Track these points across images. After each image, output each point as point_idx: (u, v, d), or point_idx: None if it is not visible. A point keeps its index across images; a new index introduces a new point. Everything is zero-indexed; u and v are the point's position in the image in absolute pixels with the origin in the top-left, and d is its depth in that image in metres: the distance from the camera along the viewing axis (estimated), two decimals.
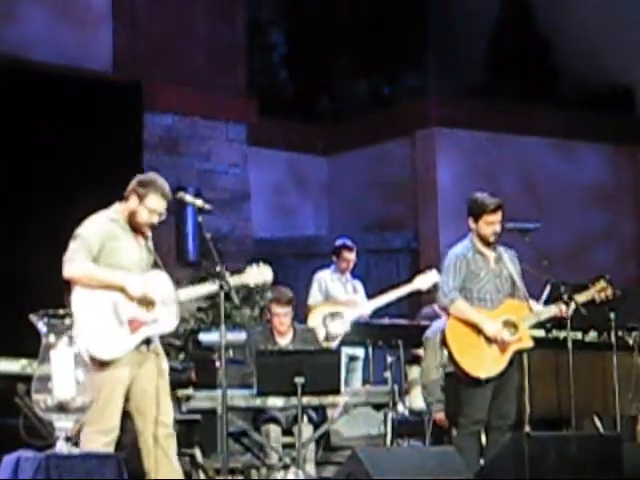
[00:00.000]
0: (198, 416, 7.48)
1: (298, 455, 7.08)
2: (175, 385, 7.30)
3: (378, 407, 7.91)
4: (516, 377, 6.89)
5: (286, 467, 7.23)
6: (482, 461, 6.81)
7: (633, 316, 7.78)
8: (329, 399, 7.38)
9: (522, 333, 6.77)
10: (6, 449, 4.73)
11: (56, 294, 5.60)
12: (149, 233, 5.86)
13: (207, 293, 5.99)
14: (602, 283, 7.02)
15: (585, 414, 7.79)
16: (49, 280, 5.63)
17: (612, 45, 13.23)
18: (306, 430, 7.36)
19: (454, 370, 6.88)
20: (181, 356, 10.20)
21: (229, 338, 7.85)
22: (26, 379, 6.17)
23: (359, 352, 9.29)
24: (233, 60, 12.55)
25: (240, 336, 8.67)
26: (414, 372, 8.62)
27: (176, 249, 11.62)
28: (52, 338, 4.41)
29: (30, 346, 4.90)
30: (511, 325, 6.75)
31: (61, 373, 4.37)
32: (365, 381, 9.14)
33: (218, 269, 5.87)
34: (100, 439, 5.47)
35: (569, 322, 6.85)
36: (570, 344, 6.80)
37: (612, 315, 7.47)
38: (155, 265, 5.87)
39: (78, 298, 5.55)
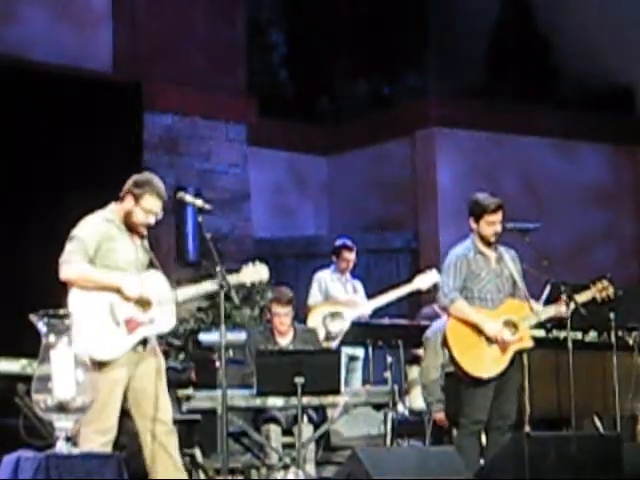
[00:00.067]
0: (198, 416, 7.48)
1: (298, 455, 7.08)
2: (175, 385, 7.31)
3: (378, 407, 7.91)
4: (517, 377, 6.89)
5: (286, 467, 7.23)
6: (482, 461, 6.81)
7: (633, 316, 7.78)
8: (329, 399, 7.37)
9: (522, 333, 6.78)
10: (6, 449, 4.73)
11: (56, 294, 5.60)
12: (145, 233, 5.86)
13: (205, 292, 5.99)
14: (603, 282, 7.03)
15: (585, 414, 7.79)
16: (49, 280, 5.63)
17: (612, 45, 13.24)
18: (306, 430, 7.36)
19: (454, 370, 6.89)
20: (181, 356, 10.21)
21: (229, 338, 7.85)
22: (26, 379, 6.18)
23: (359, 352, 9.29)
24: (233, 60, 12.55)
25: (240, 336, 8.66)
26: (414, 372, 8.62)
27: (176, 249, 11.62)
28: (52, 338, 4.41)
29: (30, 346, 4.90)
30: (512, 325, 6.75)
31: (61, 373, 4.37)
32: (365, 381, 9.14)
33: (216, 269, 5.87)
34: (98, 439, 5.47)
35: (569, 322, 6.85)
36: (570, 344, 6.80)
37: (612, 315, 7.47)
38: (151, 265, 5.86)
39: (75, 299, 5.55)
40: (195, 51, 12.17)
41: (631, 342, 7.76)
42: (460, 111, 13.16)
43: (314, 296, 9.44)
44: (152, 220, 5.79)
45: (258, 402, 7.30)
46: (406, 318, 9.51)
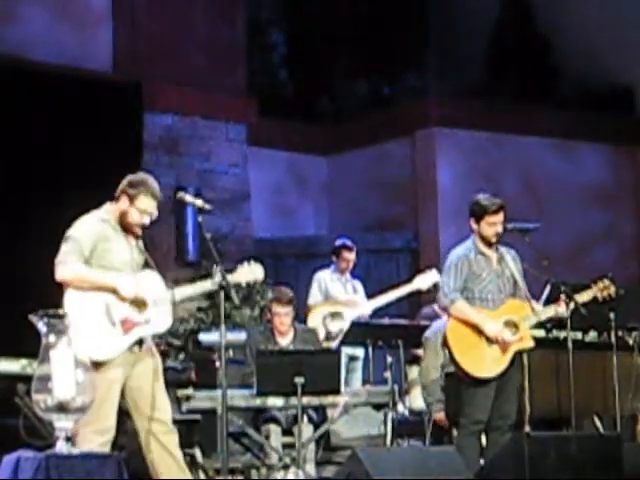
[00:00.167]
0: (198, 416, 7.48)
1: (298, 455, 7.08)
2: (175, 385, 7.32)
3: (378, 407, 7.91)
4: (517, 377, 6.89)
5: (286, 467, 7.23)
6: (482, 461, 6.81)
7: (633, 316, 7.78)
8: (329, 399, 7.37)
9: (523, 333, 6.78)
10: (6, 449, 4.73)
11: (56, 294, 5.60)
12: (140, 233, 5.86)
13: (202, 292, 5.99)
14: (605, 282, 7.03)
15: (585, 414, 7.79)
16: (49, 280, 5.63)
17: (612, 45, 13.24)
18: (306, 430, 7.35)
19: (454, 370, 6.89)
20: (181, 356, 10.20)
21: (229, 338, 7.84)
22: (26, 379, 6.17)
23: (359, 352, 9.29)
24: (233, 60, 12.55)
25: (240, 336, 8.66)
26: (414, 372, 8.62)
27: (176, 249, 11.63)
28: (52, 338, 4.41)
29: (30, 346, 4.90)
30: (512, 325, 6.75)
31: (61, 373, 4.37)
32: (365, 381, 9.14)
33: (214, 268, 5.87)
34: (96, 439, 5.47)
35: (569, 322, 6.85)
36: (570, 344, 6.80)
37: (612, 315, 7.47)
38: (146, 265, 5.86)
39: (70, 300, 5.56)
40: (195, 51, 12.17)
41: (631, 342, 7.75)
42: (460, 111, 13.16)
43: (314, 296, 9.44)
44: (147, 220, 5.79)
45: (258, 402, 7.30)
46: (406, 318, 9.51)
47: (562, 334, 7.21)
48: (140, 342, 5.70)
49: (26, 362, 6.68)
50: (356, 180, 13.76)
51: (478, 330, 6.72)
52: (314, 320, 8.89)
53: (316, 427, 7.55)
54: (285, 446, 7.48)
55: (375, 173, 13.59)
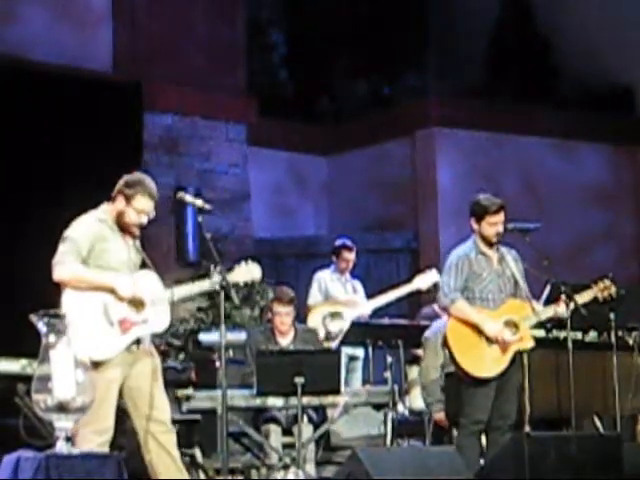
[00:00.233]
0: (198, 416, 7.48)
1: (298, 455, 7.08)
2: (175, 385, 7.32)
3: (378, 407, 7.91)
4: (517, 377, 6.89)
5: (286, 467, 7.23)
6: (482, 461, 6.81)
7: (633, 316, 7.78)
8: (329, 399, 7.37)
9: (523, 333, 6.78)
10: (6, 449, 4.73)
11: (56, 294, 5.61)
12: (137, 233, 5.86)
13: (200, 291, 5.98)
14: (605, 282, 7.03)
15: (585, 414, 7.79)
16: (49, 280, 5.63)
17: (612, 45, 13.24)
18: (306, 430, 7.35)
19: (455, 370, 6.89)
20: (181, 356, 10.21)
21: (229, 338, 7.84)
22: (26, 379, 6.17)
23: (359, 352, 9.29)
24: (233, 60, 12.55)
25: (240, 336, 8.66)
26: (414, 372, 8.62)
27: (176, 249, 11.62)
28: (52, 338, 4.41)
29: (30, 346, 4.90)
30: (512, 325, 6.75)
31: (61, 373, 4.37)
32: (365, 381, 9.14)
33: (211, 268, 5.88)
34: (95, 439, 5.47)
35: (569, 322, 6.85)
36: (570, 344, 6.80)
37: (612, 315, 7.47)
38: (144, 265, 5.86)
39: (68, 300, 5.56)
40: (195, 51, 12.17)
41: (631, 342, 7.76)
42: (460, 111, 13.16)
43: (314, 296, 9.44)
44: (144, 220, 5.79)
45: (258, 402, 7.30)
46: (406, 318, 9.51)
47: (562, 334, 7.21)
48: (138, 342, 5.70)
49: (26, 362, 6.68)
50: (356, 180, 13.76)
51: (478, 330, 6.72)
52: (314, 320, 8.89)
53: (316, 427, 7.55)
54: (285, 446, 7.48)
55: (375, 173, 13.59)
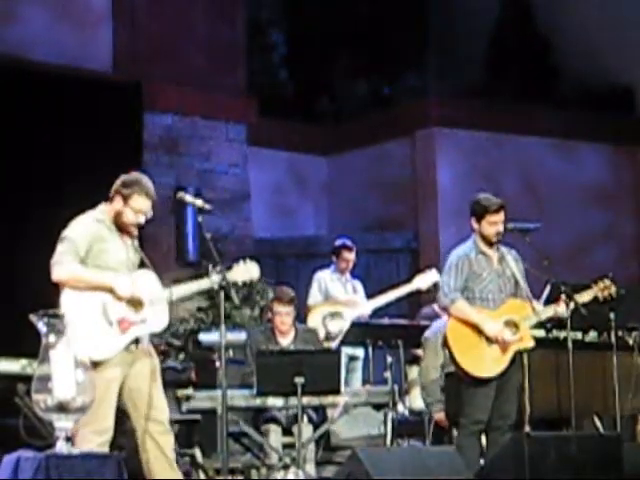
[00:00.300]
0: (198, 416, 7.48)
1: (298, 455, 7.08)
2: (175, 385, 7.32)
3: (378, 407, 7.91)
4: (517, 377, 6.89)
5: (286, 467, 7.23)
6: (482, 461, 6.81)
7: (633, 316, 7.78)
8: (329, 399, 7.37)
9: (523, 333, 6.78)
10: (6, 449, 4.73)
11: (55, 294, 5.61)
12: (135, 232, 5.86)
13: (198, 290, 5.98)
14: (605, 282, 7.03)
15: (585, 414, 7.79)
16: (49, 280, 5.63)
17: (612, 45, 13.24)
18: (306, 430, 7.35)
19: (455, 370, 6.89)
20: (181, 356, 10.21)
21: (229, 338, 7.84)
22: (26, 379, 6.17)
23: (359, 352, 9.29)
24: (233, 60, 12.55)
25: (240, 336, 8.66)
26: (414, 372, 8.62)
27: (176, 249, 11.62)
28: (52, 338, 4.41)
29: (30, 346, 4.90)
30: (512, 325, 6.75)
31: (61, 373, 4.37)
32: (365, 381, 9.14)
33: (210, 267, 5.88)
34: (95, 439, 5.47)
35: (569, 322, 6.85)
36: (570, 344, 6.80)
37: (612, 315, 7.47)
38: (142, 265, 5.87)
39: (67, 300, 5.56)
40: (195, 51, 12.16)
41: (631, 342, 7.76)
42: (460, 111, 13.16)
43: (314, 296, 9.45)
44: (142, 220, 5.80)
45: (258, 402, 7.30)
46: (406, 318, 9.51)
47: (562, 334, 7.21)
48: (137, 341, 5.70)
49: (26, 362, 6.68)
50: (356, 180, 13.76)
51: (478, 330, 6.72)
52: (314, 320, 8.89)
53: (316, 427, 7.55)
54: (285, 446, 7.48)
55: (375, 173, 13.59)
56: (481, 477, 6.34)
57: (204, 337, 9.73)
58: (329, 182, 14.14)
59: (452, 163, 13.09)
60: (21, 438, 6.39)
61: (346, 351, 8.90)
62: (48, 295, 5.59)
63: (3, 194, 9.88)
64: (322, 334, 8.63)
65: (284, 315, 7.87)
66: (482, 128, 13.18)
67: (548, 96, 13.98)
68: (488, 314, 6.76)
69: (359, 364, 9.37)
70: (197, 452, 7.59)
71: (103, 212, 5.80)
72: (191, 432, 7.60)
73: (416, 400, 8.57)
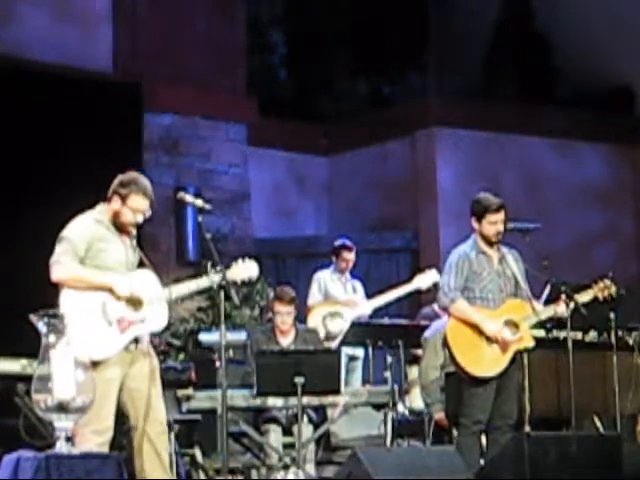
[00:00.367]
0: (198, 416, 7.48)
1: (298, 455, 7.08)
2: (175, 385, 7.32)
3: (378, 407, 7.91)
4: (517, 377, 6.89)
5: (286, 467, 7.23)
6: (482, 461, 6.80)
7: (633, 316, 7.78)
8: (329, 399, 7.37)
9: (523, 333, 6.78)
10: (6, 449, 4.73)
11: (56, 294, 5.61)
12: (134, 232, 5.86)
13: (197, 289, 5.98)
14: (605, 281, 7.04)
15: (585, 414, 7.79)
16: (48, 280, 5.63)
17: (612, 45, 13.24)
18: (306, 430, 7.35)
19: (455, 370, 6.89)
20: (181, 356, 10.21)
21: (229, 338, 7.84)
22: (26, 379, 6.17)
23: (359, 352, 9.29)
24: (233, 60, 12.55)
25: (240, 336, 8.67)
26: (414, 372, 8.62)
27: (176, 249, 11.62)
28: (52, 338, 4.41)
29: (30, 346, 4.90)
30: (512, 325, 6.75)
31: (61, 373, 4.37)
32: (365, 381, 9.14)
33: (208, 266, 5.89)
34: (95, 439, 5.47)
35: (569, 322, 6.85)
36: (570, 344, 6.80)
37: (612, 315, 7.47)
38: (141, 264, 5.87)
39: (66, 300, 5.56)
40: (195, 51, 12.16)
41: (631, 342, 7.75)
42: (460, 111, 13.16)
43: (314, 296, 9.45)
44: (140, 219, 5.80)
45: (258, 402, 7.30)
46: (406, 318, 9.51)
47: (562, 334, 7.22)
48: (136, 341, 5.71)
49: (26, 362, 6.68)
50: (356, 180, 13.76)
51: (478, 329, 6.72)
52: (314, 320, 8.89)
53: (316, 427, 7.55)
54: (285, 446, 7.48)
55: (375, 173, 13.59)
56: (481, 477, 6.34)
57: (204, 337, 9.73)
58: (329, 182, 14.14)
59: (452, 163, 13.09)
60: (21, 438, 6.39)
61: (346, 351, 8.90)
62: (48, 295, 5.59)
63: (3, 194, 9.88)
64: (322, 334, 8.63)
65: (285, 315, 7.87)
66: (482, 128, 13.18)
67: (548, 96, 13.99)
68: (488, 314, 6.76)
69: (359, 364, 9.37)
70: (197, 452, 7.59)
71: (102, 212, 5.80)
72: (191, 432, 7.60)
73: (416, 400, 8.57)
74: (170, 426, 6.89)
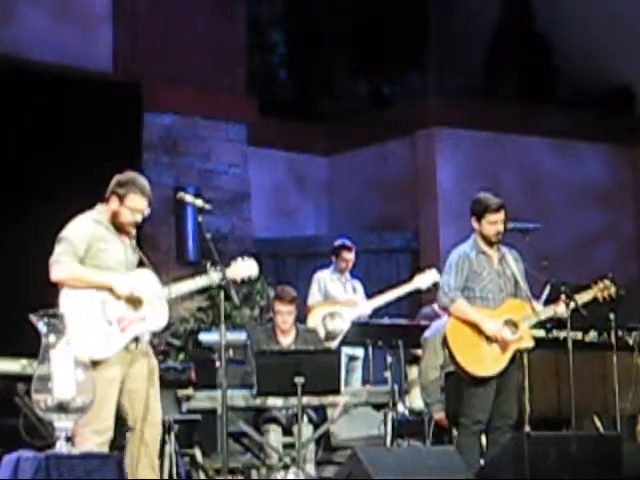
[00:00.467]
0: (198, 416, 7.48)
1: (298, 455, 7.08)
2: (175, 385, 7.32)
3: (378, 407, 7.91)
4: (517, 377, 6.89)
5: (286, 467, 7.24)
6: (482, 461, 6.80)
7: (633, 316, 7.78)
8: (329, 399, 7.37)
9: (523, 332, 6.78)
10: (6, 449, 4.73)
11: (56, 294, 5.61)
12: (133, 232, 5.87)
13: (197, 288, 5.98)
14: (605, 282, 7.04)
15: (585, 414, 7.79)
16: (48, 280, 5.64)
17: (612, 45, 13.24)
18: (306, 430, 7.35)
19: (455, 370, 6.89)
20: (181, 356, 10.21)
21: (229, 338, 7.84)
22: (26, 379, 6.17)
23: (359, 352, 9.29)
24: (233, 60, 12.55)
25: (240, 336, 8.67)
26: (414, 372, 8.61)
27: (176, 249, 11.62)
28: (52, 338, 4.41)
29: (30, 346, 4.90)
30: (512, 324, 6.75)
31: (61, 373, 4.37)
32: (365, 381, 9.14)
33: (208, 265, 5.89)
34: (95, 439, 5.47)
35: (569, 322, 6.85)
36: (570, 344, 6.80)
37: (612, 315, 7.47)
38: (141, 264, 5.87)
39: (66, 299, 5.56)
40: (195, 51, 12.16)
41: (631, 342, 7.75)
42: (460, 111, 13.16)
43: (313, 296, 9.45)
44: (139, 218, 5.81)
45: (258, 402, 7.30)
46: (406, 318, 9.50)
47: (562, 334, 7.21)
48: (136, 340, 5.71)
49: (26, 362, 6.68)
50: (356, 180, 13.76)
51: (478, 329, 6.72)
52: (314, 320, 8.89)
53: (316, 427, 7.55)
54: (285, 446, 7.48)
55: (375, 173, 13.59)
56: (481, 477, 6.34)
57: (204, 337, 9.73)
58: (329, 182, 14.14)
59: (452, 163, 13.09)
60: (21, 438, 6.39)
61: (346, 351, 8.90)
62: (48, 295, 5.59)
63: (3, 194, 9.88)
64: (322, 334, 8.63)
65: (285, 314, 7.88)
66: (482, 128, 13.18)
67: (548, 96, 13.99)
68: (488, 314, 6.77)
69: (359, 364, 9.38)
70: (197, 452, 7.59)
71: (101, 212, 5.81)
72: (191, 432, 7.60)
73: (416, 400, 8.56)
74: (170, 426, 6.91)
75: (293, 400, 7.12)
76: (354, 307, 9.03)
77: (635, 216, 13.80)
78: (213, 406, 7.17)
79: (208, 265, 5.92)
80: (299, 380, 6.95)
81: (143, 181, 5.83)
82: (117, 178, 5.82)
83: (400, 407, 8.48)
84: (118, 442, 5.79)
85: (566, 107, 13.67)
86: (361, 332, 8.60)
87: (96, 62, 11.38)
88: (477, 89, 13.89)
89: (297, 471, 7.06)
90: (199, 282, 5.92)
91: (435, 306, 8.40)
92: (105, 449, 5.48)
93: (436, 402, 7.92)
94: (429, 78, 14.15)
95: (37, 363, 4.44)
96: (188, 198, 6.31)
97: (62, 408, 4.37)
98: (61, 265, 5.57)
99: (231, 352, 8.04)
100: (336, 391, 7.29)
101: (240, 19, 12.71)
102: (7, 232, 9.91)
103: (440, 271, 7.55)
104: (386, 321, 8.83)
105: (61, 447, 4.43)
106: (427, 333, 8.19)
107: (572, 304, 6.85)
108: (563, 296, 6.86)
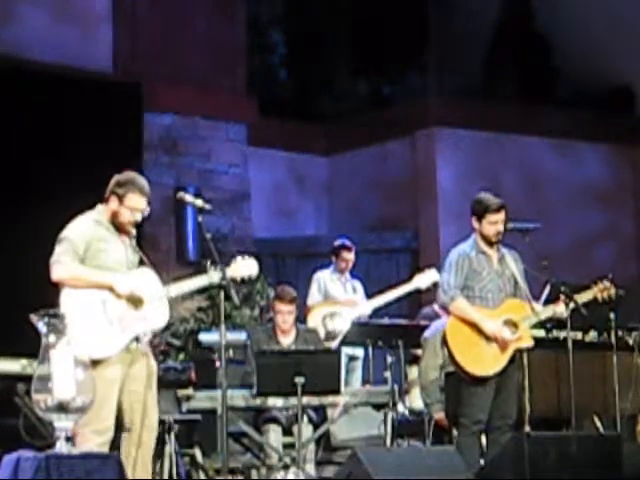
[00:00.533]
0: (198, 416, 7.48)
1: (298, 455, 7.08)
2: (175, 385, 7.32)
3: (378, 407, 7.91)
4: (517, 377, 6.89)
5: (286, 467, 7.24)
6: (482, 461, 6.80)
7: (633, 316, 7.78)
8: (329, 399, 7.37)
9: (522, 332, 6.78)
10: (6, 449, 4.73)
11: (56, 294, 5.61)
12: (133, 232, 5.88)
13: (196, 287, 5.99)
14: (605, 283, 7.04)
15: (585, 414, 7.79)
16: (49, 280, 5.64)
17: (612, 45, 13.24)
18: (306, 430, 7.36)
19: (454, 370, 6.89)
20: (181, 356, 10.21)
21: (229, 338, 7.84)
22: (26, 379, 6.17)
23: (359, 352, 9.29)
24: (233, 60, 12.55)
25: (240, 336, 8.66)
26: (414, 372, 8.61)
27: (176, 249, 11.62)
28: (52, 338, 4.42)
29: (30, 346, 4.90)
30: (511, 324, 6.75)
31: (61, 373, 4.37)
32: (365, 381, 9.14)
33: (208, 265, 5.89)
34: (95, 439, 5.48)
35: (569, 322, 6.85)
36: (570, 344, 6.80)
37: (612, 315, 7.47)
38: (141, 263, 5.88)
39: (67, 299, 5.57)
40: (195, 51, 12.16)
41: (631, 342, 7.75)
42: (460, 111, 13.16)
43: (313, 296, 9.45)
44: (138, 218, 5.82)
45: (258, 402, 7.30)
46: (406, 318, 9.50)
47: (562, 334, 7.22)
48: (137, 339, 5.71)
49: (26, 362, 6.68)
50: (356, 180, 13.76)
51: (477, 328, 6.72)
52: (314, 320, 8.89)
53: (316, 427, 7.55)
54: (285, 446, 7.48)
55: (375, 173, 13.59)
56: (481, 477, 6.34)
57: (204, 337, 9.73)
58: (329, 182, 14.14)
59: (452, 163, 13.09)
60: (21, 438, 6.39)
61: (346, 351, 8.90)
62: (48, 295, 5.59)
63: (3, 194, 9.88)
64: (322, 334, 8.63)
65: (286, 314, 7.88)
66: (482, 128, 13.18)
67: (548, 96, 13.99)
68: (487, 313, 6.77)
69: (359, 364, 9.38)
70: (197, 452, 7.58)
71: (100, 213, 5.82)
72: (191, 432, 7.60)
73: (416, 400, 8.56)
74: (170, 426, 6.91)
75: (293, 400, 7.12)
76: (354, 307, 9.03)
77: (635, 216, 13.80)
78: (213, 406, 7.17)
79: (208, 264, 5.92)
80: (299, 380, 6.95)
81: (142, 181, 5.84)
82: (116, 178, 5.83)
83: (400, 407, 8.48)
84: (118, 442, 5.79)
85: (566, 107, 13.67)
86: (361, 332, 8.60)
87: (96, 62, 11.38)
88: (477, 89, 13.89)
89: (297, 471, 7.06)
90: (199, 282, 5.93)
91: (435, 306, 8.41)
92: (105, 449, 5.48)
93: (436, 402, 7.92)
94: (429, 78, 14.15)
95: (37, 363, 4.44)
96: (188, 198, 6.31)
97: (62, 408, 4.37)
98: (62, 265, 5.58)
99: (231, 352, 8.03)
100: (336, 391, 7.29)
101: (240, 19, 12.71)
102: (7, 232, 9.91)
103: (440, 271, 7.54)
104: (386, 321, 8.83)
105: (61, 447, 4.43)
106: (427, 333, 8.19)
107: (572, 304, 6.85)
108: (563, 296, 6.86)
